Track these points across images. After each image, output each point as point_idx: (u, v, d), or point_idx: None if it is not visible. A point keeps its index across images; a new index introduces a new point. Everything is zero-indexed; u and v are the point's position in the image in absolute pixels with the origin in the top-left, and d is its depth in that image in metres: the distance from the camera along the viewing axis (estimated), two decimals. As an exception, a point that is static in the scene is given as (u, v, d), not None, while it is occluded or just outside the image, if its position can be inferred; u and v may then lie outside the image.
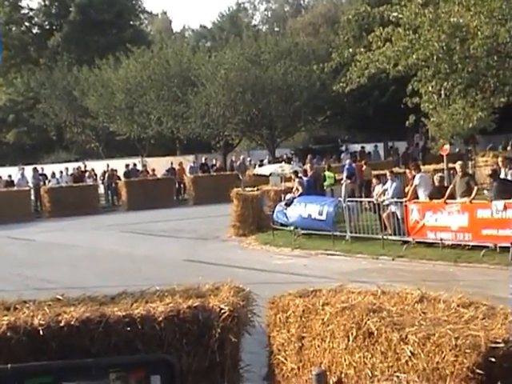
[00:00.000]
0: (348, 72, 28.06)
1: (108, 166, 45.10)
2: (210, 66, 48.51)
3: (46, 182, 42.36)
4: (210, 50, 54.71)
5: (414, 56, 25.85)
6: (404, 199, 21.32)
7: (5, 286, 16.24)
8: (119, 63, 53.87)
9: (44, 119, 57.73)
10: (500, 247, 18.36)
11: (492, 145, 43.76)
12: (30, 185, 40.83)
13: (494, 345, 4.64)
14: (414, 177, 21.88)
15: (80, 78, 55.51)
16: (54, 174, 43.12)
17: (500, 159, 24.44)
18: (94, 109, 53.51)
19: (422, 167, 24.92)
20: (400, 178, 25.50)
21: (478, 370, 4.57)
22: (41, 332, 5.85)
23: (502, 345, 4.64)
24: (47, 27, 70.16)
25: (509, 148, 42.56)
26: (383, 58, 26.54)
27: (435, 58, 25.89)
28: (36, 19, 70.93)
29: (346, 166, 32.70)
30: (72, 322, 5.95)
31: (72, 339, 5.92)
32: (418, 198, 21.28)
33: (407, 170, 24.02)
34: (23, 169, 43.82)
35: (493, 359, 4.57)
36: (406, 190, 22.58)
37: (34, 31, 71.12)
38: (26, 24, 70.35)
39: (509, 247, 17.79)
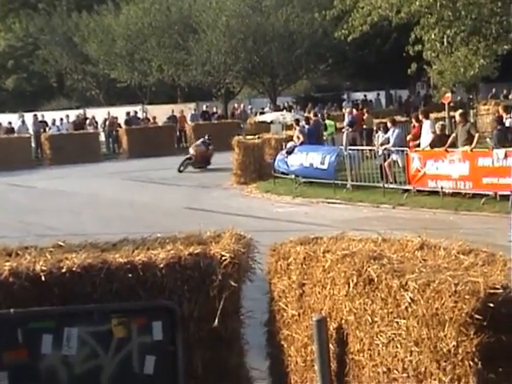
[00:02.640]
0: (350, 19, 27.86)
1: (109, 113, 44.95)
2: (211, 13, 48.06)
3: (47, 129, 42.23)
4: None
5: (417, 3, 25.67)
6: (405, 148, 21.33)
7: (6, 233, 16.27)
8: (119, 9, 53.36)
9: (44, 66, 57.31)
10: (500, 195, 18.44)
11: (493, 93, 43.58)
12: (31, 132, 40.76)
13: (492, 291, 4.66)
14: (419, 123, 21.92)
15: (80, 24, 55.01)
16: (54, 122, 42.95)
17: (500, 107, 24.36)
18: (95, 55, 53.17)
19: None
20: (401, 126, 25.44)
21: (476, 316, 4.61)
22: (43, 278, 5.89)
23: (500, 291, 4.66)
24: (45, -29, 69.28)
25: (510, 96, 42.38)
26: (386, 5, 26.35)
27: (438, 4, 25.71)
28: (34, -37, 69.98)
29: (347, 116, 32.58)
30: (74, 268, 5.97)
31: (74, 285, 5.95)
32: (418, 145, 21.31)
33: (413, 120, 23.97)
34: (23, 116, 43.64)
35: (491, 305, 4.61)
36: (408, 138, 22.61)
37: (33, -25, 70.21)
38: (24, -32, 69.45)
39: (509, 195, 17.84)
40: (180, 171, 30.35)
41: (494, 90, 44.05)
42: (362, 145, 27.25)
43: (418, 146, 21.30)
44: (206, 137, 31.90)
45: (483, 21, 26.80)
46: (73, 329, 5.64)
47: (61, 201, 24.31)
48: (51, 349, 5.62)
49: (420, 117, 22.41)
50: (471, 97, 38.58)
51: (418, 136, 21.90)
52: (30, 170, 34.77)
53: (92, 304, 5.84)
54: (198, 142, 32.27)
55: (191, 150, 31.60)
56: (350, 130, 28.63)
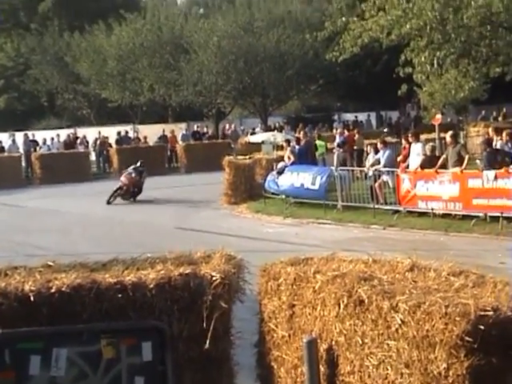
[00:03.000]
0: (341, 41, 28.00)
1: (100, 133, 44.96)
2: (203, 34, 48.27)
3: (37, 148, 42.19)
4: (202, 17, 54.39)
5: (408, 25, 25.81)
6: (396, 169, 21.38)
7: (-4, 253, 16.24)
8: (111, 29, 53.52)
9: (35, 85, 57.38)
10: (490, 217, 18.47)
11: (483, 115, 43.84)
12: (21, 151, 40.70)
13: (483, 313, 4.67)
14: (410, 145, 22.02)
15: (72, 44, 55.15)
16: (45, 141, 42.95)
17: (491, 129, 24.49)
18: (86, 75, 53.25)
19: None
20: (391, 147, 25.51)
21: (467, 338, 4.61)
22: (32, 298, 5.86)
23: (491, 313, 4.67)
24: (38, -8, 69.46)
25: (500, 118, 42.62)
26: (376, 27, 26.50)
27: (428, 27, 25.87)
28: (26, -16, 70.14)
29: (337, 136, 32.67)
30: (63, 289, 5.95)
31: (63, 305, 5.93)
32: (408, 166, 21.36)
33: (403, 140, 24.13)
34: (14, 135, 43.61)
35: (482, 327, 4.61)
36: (399, 159, 22.67)
37: (25, -4, 70.37)
38: (17, -12, 69.60)
39: (499, 217, 17.88)
40: (109, 203, 27.28)
41: (483, 112, 44.35)
42: (352, 165, 27.32)
43: (408, 167, 21.36)
44: (139, 163, 28.84)
45: (472, 43, 26.99)
46: (61, 349, 5.60)
47: (51, 220, 24.24)
48: (39, 370, 5.57)
49: (410, 139, 22.48)
50: (461, 118, 38.77)
51: (407, 157, 21.98)
52: (20, 189, 34.66)
53: (81, 324, 5.81)
54: (129, 169, 28.66)
55: (123, 179, 28.03)
56: (341, 150, 28.73)
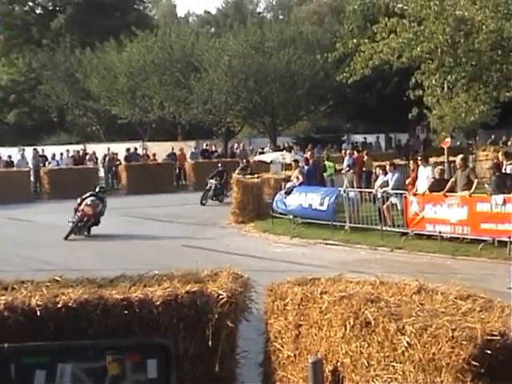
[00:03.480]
0: (352, 62, 28.09)
1: (109, 149, 45.07)
2: (214, 52, 48.38)
3: (46, 163, 42.33)
4: (214, 36, 54.56)
5: (419, 48, 25.89)
6: (404, 191, 21.36)
7: (3, 267, 16.27)
8: (122, 46, 53.75)
9: (45, 100, 57.58)
10: (498, 241, 18.41)
11: (492, 139, 43.83)
12: (30, 166, 40.84)
13: (490, 337, 4.66)
14: (418, 167, 22.04)
15: (83, 61, 55.41)
16: (54, 156, 43.09)
17: (500, 153, 24.45)
18: (96, 91, 53.40)
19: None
20: (400, 169, 25.51)
21: (473, 362, 4.59)
22: (38, 313, 5.87)
23: (498, 337, 4.66)
24: (50, 8, 69.94)
25: (509, 143, 42.58)
26: (387, 50, 26.57)
27: (439, 50, 25.94)
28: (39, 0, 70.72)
29: (347, 157, 32.66)
30: (70, 304, 5.96)
31: (69, 321, 5.93)
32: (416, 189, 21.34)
33: (411, 162, 24.16)
34: (23, 149, 43.78)
35: (489, 351, 4.59)
36: (407, 182, 22.65)
37: (38, 12, 70.86)
38: (30, 4, 70.07)
39: (507, 241, 17.82)
40: (66, 239, 23.21)
41: (493, 137, 44.34)
42: (360, 187, 27.31)
43: (416, 189, 21.33)
44: (98, 188, 25.83)
45: (483, 68, 27.03)
46: (66, 365, 5.60)
47: (58, 235, 24.19)
48: (44, 385, 5.57)
49: (419, 162, 22.48)
50: (470, 142, 38.75)
51: (416, 180, 21.97)
52: (29, 204, 34.70)
53: (87, 340, 5.81)
54: (88, 196, 24.97)
55: (86, 209, 24.07)
56: (351, 171, 28.74)
